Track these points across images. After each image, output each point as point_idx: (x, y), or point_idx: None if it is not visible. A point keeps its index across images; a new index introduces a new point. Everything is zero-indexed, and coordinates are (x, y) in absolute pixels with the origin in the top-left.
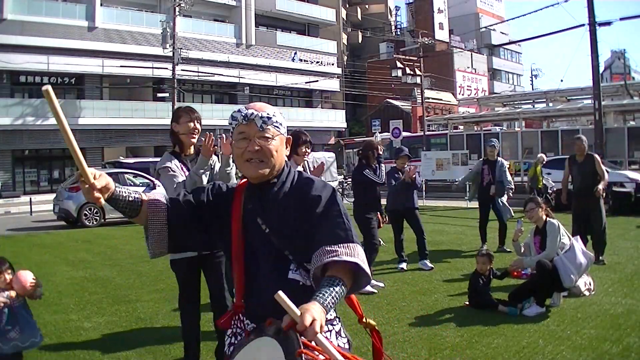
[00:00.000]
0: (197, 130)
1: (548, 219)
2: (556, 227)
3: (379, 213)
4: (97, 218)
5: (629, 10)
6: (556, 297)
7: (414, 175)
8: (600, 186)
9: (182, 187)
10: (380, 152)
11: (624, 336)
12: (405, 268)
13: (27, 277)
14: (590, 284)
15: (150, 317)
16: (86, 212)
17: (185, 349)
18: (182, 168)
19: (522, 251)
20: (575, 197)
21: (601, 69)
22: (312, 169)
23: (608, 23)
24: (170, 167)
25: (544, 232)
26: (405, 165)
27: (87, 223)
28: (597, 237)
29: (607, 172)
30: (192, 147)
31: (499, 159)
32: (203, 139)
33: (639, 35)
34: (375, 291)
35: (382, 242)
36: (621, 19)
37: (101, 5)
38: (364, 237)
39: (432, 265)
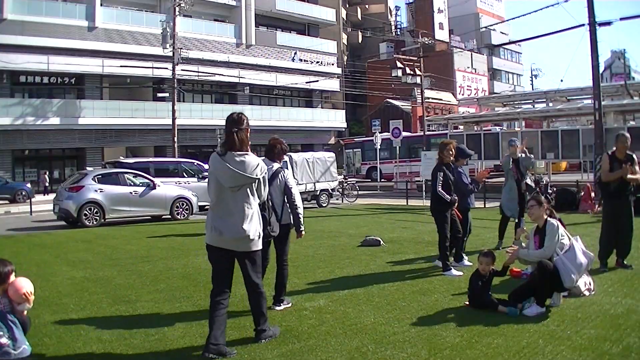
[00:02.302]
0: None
1: (549, 218)
2: (555, 227)
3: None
4: (97, 218)
5: (629, 10)
6: (556, 297)
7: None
8: (631, 175)
9: None
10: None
11: (624, 336)
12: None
13: (25, 285)
14: (590, 284)
15: (150, 317)
16: (86, 212)
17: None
18: None
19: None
20: (609, 198)
21: (601, 69)
22: (310, 167)
23: (608, 23)
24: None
25: (544, 232)
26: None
27: (87, 223)
28: (624, 239)
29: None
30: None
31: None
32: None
33: (639, 35)
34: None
35: (382, 243)
36: (621, 19)
37: (101, 5)
38: (451, 230)
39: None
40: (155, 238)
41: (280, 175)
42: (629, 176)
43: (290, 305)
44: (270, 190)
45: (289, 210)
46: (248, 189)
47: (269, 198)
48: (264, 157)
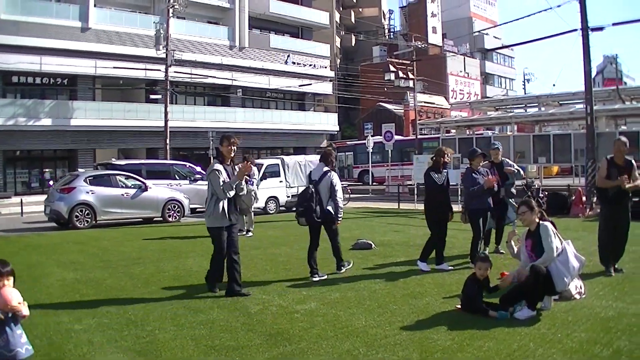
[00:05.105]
0: (234, 150)
1: (541, 222)
2: (549, 229)
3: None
4: (89, 220)
5: (622, 15)
6: (547, 300)
7: (493, 184)
8: (631, 185)
9: (227, 187)
10: (447, 160)
11: (614, 339)
12: None
13: (13, 296)
14: (581, 287)
15: (141, 319)
16: (77, 214)
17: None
18: (225, 171)
19: (515, 252)
20: (607, 203)
21: (593, 73)
22: (302, 170)
23: (600, 28)
24: (219, 170)
25: (536, 236)
26: (481, 165)
27: (79, 225)
28: (619, 244)
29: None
30: (230, 159)
31: (504, 159)
32: (242, 164)
33: (631, 40)
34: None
35: (374, 246)
36: (614, 24)
37: (95, 6)
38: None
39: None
40: (146, 240)
41: (327, 176)
42: (628, 186)
43: (351, 266)
44: (320, 187)
45: (332, 203)
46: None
47: (317, 192)
48: (320, 162)
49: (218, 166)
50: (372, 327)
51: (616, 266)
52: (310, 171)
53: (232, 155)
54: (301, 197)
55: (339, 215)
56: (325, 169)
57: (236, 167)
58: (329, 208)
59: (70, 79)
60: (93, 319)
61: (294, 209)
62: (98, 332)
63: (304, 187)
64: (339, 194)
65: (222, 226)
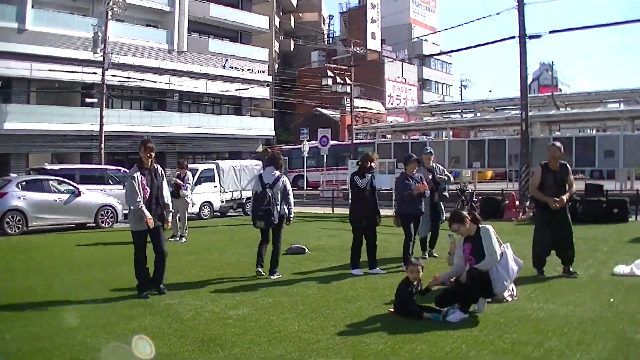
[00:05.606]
0: (151, 155)
1: (481, 226)
2: (490, 233)
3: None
4: (20, 226)
5: (559, 23)
6: (481, 302)
7: (423, 191)
8: (565, 197)
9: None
10: (373, 165)
11: (545, 340)
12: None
13: None
14: (513, 289)
15: (73, 328)
16: (8, 220)
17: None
18: (142, 178)
19: (452, 260)
20: (543, 210)
21: (529, 80)
22: (237, 174)
23: (538, 36)
24: (135, 177)
25: (476, 239)
26: (415, 170)
27: (9, 231)
28: (567, 248)
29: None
30: (149, 163)
31: (437, 165)
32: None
33: (567, 47)
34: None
35: (307, 250)
36: (551, 32)
37: (32, 7)
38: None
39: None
40: (79, 247)
41: (280, 180)
42: (557, 203)
43: (280, 276)
44: (274, 191)
45: (285, 205)
46: None
47: (273, 196)
48: (269, 166)
49: (136, 173)
50: (305, 332)
51: (570, 269)
52: (260, 175)
53: (150, 160)
54: (258, 201)
55: (291, 216)
56: (277, 173)
57: (157, 167)
58: (282, 210)
59: (4, 82)
60: (24, 328)
61: (251, 212)
62: (28, 341)
63: (237, 192)
64: (291, 197)
65: (141, 230)
